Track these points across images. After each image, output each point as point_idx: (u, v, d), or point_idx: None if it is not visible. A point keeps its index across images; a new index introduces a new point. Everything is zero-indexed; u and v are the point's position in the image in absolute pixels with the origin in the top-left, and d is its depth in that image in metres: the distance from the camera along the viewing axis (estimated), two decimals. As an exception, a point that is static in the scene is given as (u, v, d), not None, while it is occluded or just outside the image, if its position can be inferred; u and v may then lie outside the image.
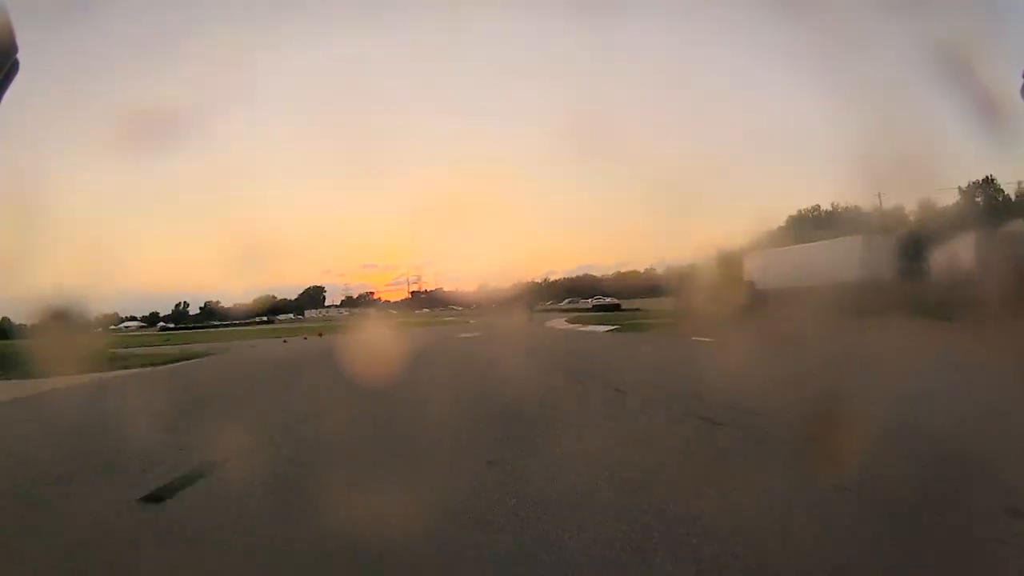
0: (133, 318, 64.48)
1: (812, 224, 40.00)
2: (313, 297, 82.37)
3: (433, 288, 75.41)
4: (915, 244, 22.89)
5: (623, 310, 39.82)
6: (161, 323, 64.19)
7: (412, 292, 77.51)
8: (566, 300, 61.00)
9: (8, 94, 1.58)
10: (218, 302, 67.77)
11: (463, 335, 23.15)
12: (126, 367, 15.22)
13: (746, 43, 58.47)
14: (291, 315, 71.45)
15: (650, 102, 53.59)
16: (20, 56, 1.58)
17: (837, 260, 22.46)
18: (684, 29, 53.48)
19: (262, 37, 46.79)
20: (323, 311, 74.05)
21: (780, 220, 43.35)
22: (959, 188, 39.04)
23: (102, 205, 56.44)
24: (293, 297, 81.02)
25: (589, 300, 55.69)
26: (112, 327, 50.69)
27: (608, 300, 50.78)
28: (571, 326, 26.14)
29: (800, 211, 45.89)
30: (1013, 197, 36.88)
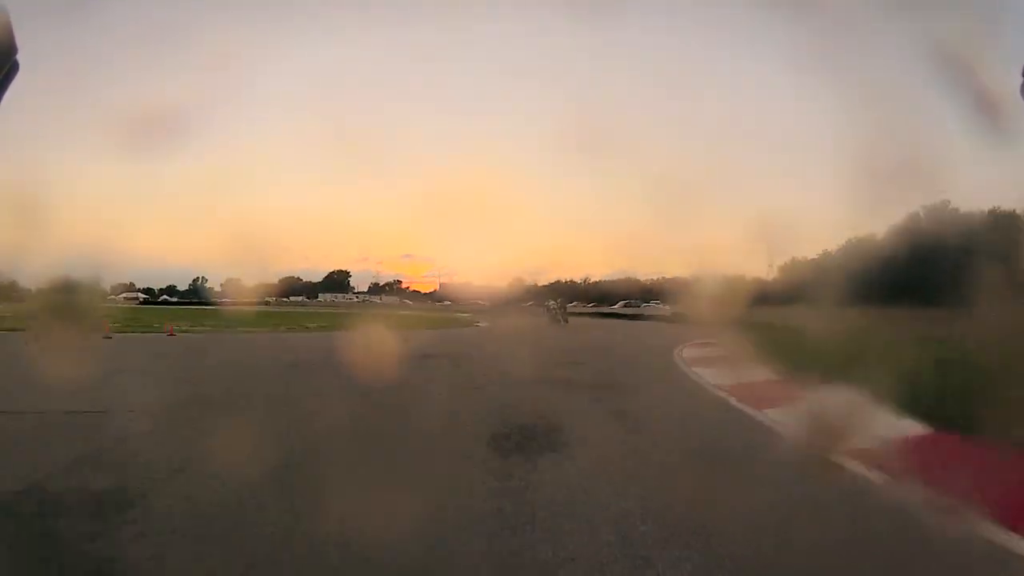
0: (150, 290, 67.83)
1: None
2: (338, 281, 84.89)
3: (463, 282, 76.36)
4: None
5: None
6: (164, 297, 66.71)
7: (440, 284, 78.77)
8: (620, 303, 56.29)
9: (8, 94, 1.69)
10: (239, 279, 70.30)
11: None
12: None
13: (748, 43, 57.99)
14: (303, 298, 73.26)
15: (671, 104, 53.56)
16: (20, 56, 1.68)
17: None
18: (729, 29, 52.90)
19: (265, 36, 48.08)
20: (334, 296, 76.07)
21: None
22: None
23: (119, 201, 59.27)
24: (319, 279, 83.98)
25: (651, 303, 51.34)
26: (111, 297, 52.71)
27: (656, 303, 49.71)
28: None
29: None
30: None
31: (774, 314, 25.23)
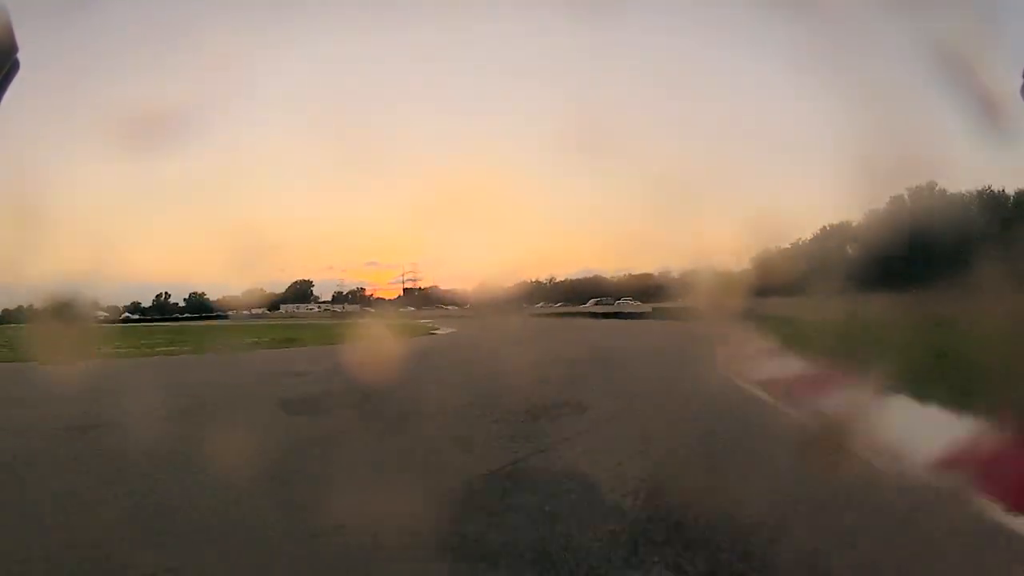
0: (115, 308, 67.15)
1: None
2: (301, 291, 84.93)
3: (429, 286, 76.47)
4: None
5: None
6: (126, 315, 65.68)
7: (405, 289, 78.65)
8: (591, 300, 54.00)
9: (8, 94, 1.77)
10: (203, 294, 70.07)
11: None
12: None
13: (747, 43, 59.64)
14: (263, 310, 72.86)
15: (655, 104, 54.51)
16: (20, 56, 1.77)
17: None
18: (691, 29, 54.06)
19: (263, 36, 48.03)
20: (296, 307, 76.05)
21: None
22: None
23: (109, 200, 58.56)
24: (282, 291, 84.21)
25: (622, 300, 49.57)
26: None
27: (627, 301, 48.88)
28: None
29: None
30: None
31: (763, 305, 23.48)
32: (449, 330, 28.37)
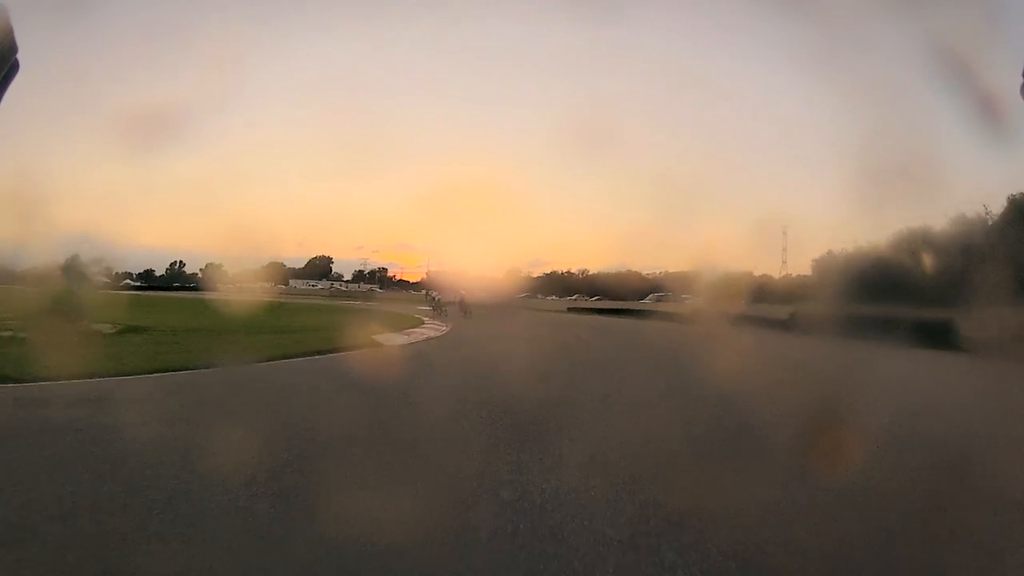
0: (129, 274, 71.24)
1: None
2: (320, 267, 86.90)
3: (451, 271, 77.43)
4: None
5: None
6: (127, 281, 67.52)
7: (427, 273, 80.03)
8: (650, 296, 51.94)
9: (8, 94, 1.79)
10: (220, 264, 72.54)
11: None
12: None
13: (757, 44, 58.58)
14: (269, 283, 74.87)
15: (698, 107, 54.14)
16: (20, 56, 1.78)
17: None
18: (732, 27, 53.54)
19: (304, 23, 49.11)
20: (306, 283, 77.96)
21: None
22: None
23: (131, 187, 60.70)
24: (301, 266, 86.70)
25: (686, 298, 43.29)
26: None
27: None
28: None
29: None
30: None
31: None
32: (438, 332, 20.54)
